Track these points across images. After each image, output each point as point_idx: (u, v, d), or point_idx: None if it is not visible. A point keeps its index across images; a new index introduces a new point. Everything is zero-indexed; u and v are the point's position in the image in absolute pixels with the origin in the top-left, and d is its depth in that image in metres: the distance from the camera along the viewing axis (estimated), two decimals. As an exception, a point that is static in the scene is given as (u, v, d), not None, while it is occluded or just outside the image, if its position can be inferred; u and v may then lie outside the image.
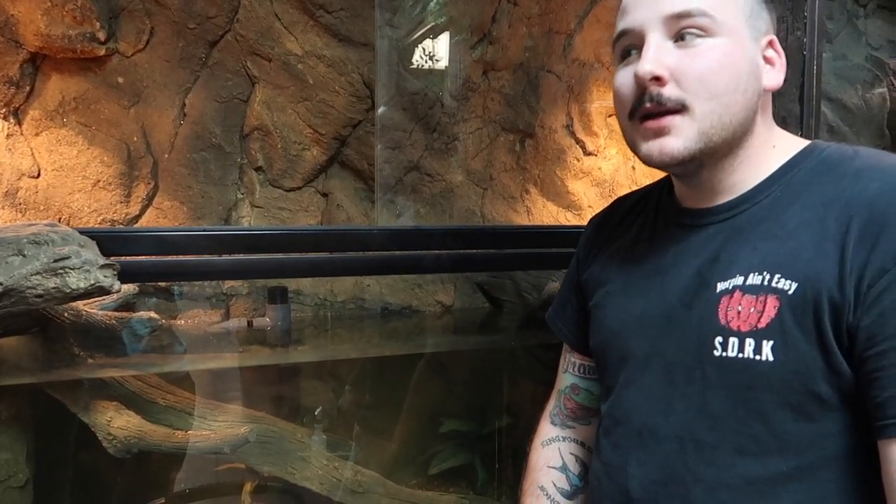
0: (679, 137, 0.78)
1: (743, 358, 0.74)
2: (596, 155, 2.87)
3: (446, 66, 2.50)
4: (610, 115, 2.92)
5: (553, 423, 1.08)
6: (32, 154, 2.03)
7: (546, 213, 2.75)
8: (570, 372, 1.07)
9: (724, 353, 0.76)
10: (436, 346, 2.41)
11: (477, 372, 2.48)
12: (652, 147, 0.79)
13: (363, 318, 2.34)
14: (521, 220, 2.69)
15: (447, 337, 2.46)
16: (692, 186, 0.86)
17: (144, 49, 2.12)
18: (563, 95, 2.77)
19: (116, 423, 1.69)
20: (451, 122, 2.50)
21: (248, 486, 1.96)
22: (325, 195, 2.39)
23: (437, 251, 1.67)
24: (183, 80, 2.18)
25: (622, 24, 0.82)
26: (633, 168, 2.93)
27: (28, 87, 2.03)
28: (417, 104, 2.42)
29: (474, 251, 1.78)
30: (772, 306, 0.73)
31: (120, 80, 2.10)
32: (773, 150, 0.83)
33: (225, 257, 1.53)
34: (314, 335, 2.25)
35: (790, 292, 0.72)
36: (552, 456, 1.06)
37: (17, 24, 1.96)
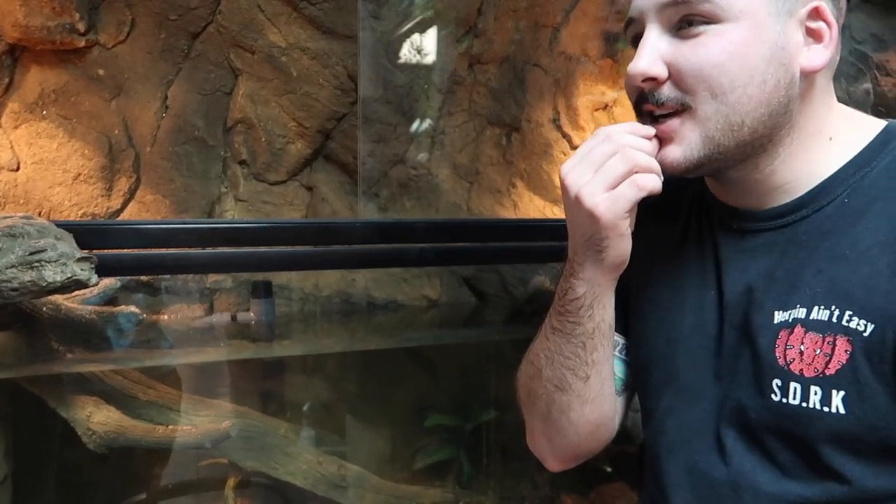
0: (680, 145, 0.69)
1: (807, 408, 0.64)
2: (582, 149, 2.87)
3: (432, 60, 2.49)
4: (597, 109, 2.92)
5: None
6: (12, 147, 2.01)
7: (533, 207, 2.74)
8: None
9: (783, 400, 0.66)
10: (421, 341, 2.41)
11: (463, 366, 2.48)
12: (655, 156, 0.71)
13: (349, 312, 2.33)
14: (508, 213, 2.68)
15: (433, 331, 2.46)
16: (725, 186, 0.75)
17: (125, 41, 2.09)
18: (549, 89, 2.77)
19: (96, 419, 1.67)
20: (437, 116, 2.49)
21: (231, 482, 1.95)
22: (309, 189, 2.38)
23: (422, 245, 1.66)
24: (165, 72, 2.15)
25: (630, 11, 0.73)
26: (620, 162, 2.93)
27: (7, 80, 2.00)
28: (402, 97, 2.40)
29: (459, 245, 1.77)
30: (842, 350, 0.63)
31: (101, 72, 2.08)
32: (831, 142, 0.71)
33: (208, 250, 1.52)
34: (299, 329, 2.24)
35: (866, 334, 0.62)
36: None
37: (-5, 14, 1.93)
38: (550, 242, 1.85)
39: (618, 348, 0.89)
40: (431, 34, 2.46)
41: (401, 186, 2.45)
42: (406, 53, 2.43)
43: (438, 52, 2.47)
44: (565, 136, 2.83)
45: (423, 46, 2.45)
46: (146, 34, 2.11)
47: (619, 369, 0.88)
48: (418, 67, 2.46)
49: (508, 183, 2.72)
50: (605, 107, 2.93)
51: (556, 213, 2.77)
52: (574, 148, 2.85)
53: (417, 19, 2.42)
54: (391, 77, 2.37)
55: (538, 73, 2.72)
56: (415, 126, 2.46)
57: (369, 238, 1.61)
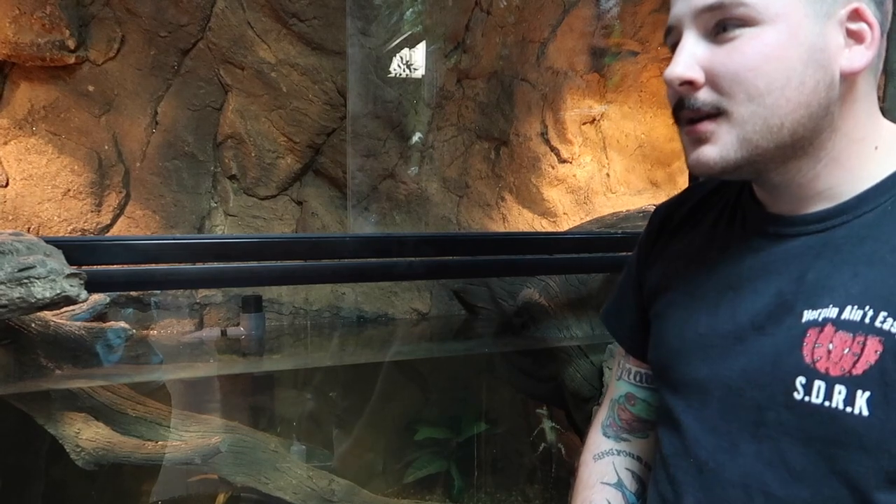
0: (716, 145, 0.68)
1: (829, 407, 0.63)
2: (570, 162, 2.89)
3: (421, 75, 2.51)
4: (584, 123, 2.95)
5: (606, 434, 0.96)
6: (1, 163, 2.01)
7: (522, 221, 2.76)
8: (624, 380, 0.95)
9: (806, 398, 0.64)
10: (411, 354, 2.41)
11: (452, 379, 2.48)
12: (691, 156, 0.70)
13: (339, 326, 2.33)
14: (497, 227, 2.70)
15: (423, 344, 2.46)
16: (768, 190, 0.74)
17: (115, 57, 2.10)
18: (537, 103, 2.80)
19: (85, 435, 1.66)
20: (426, 131, 2.51)
21: (221, 497, 1.94)
22: (299, 203, 2.39)
23: (411, 258, 1.67)
24: (155, 88, 2.17)
25: (669, 20, 0.72)
26: (608, 175, 2.96)
27: (-4, 96, 2.01)
28: (391, 112, 2.42)
29: (448, 258, 1.78)
30: (872, 350, 0.61)
31: (90, 88, 2.09)
32: (876, 151, 0.70)
33: (198, 266, 1.51)
34: (289, 344, 2.24)
35: None
36: (606, 471, 0.94)
37: (-15, 31, 1.93)
38: (539, 255, 1.86)
39: (646, 379, 0.93)
40: (420, 50, 2.48)
41: (390, 200, 2.47)
42: (395, 69, 2.45)
43: (427, 68, 2.50)
44: (553, 149, 2.86)
45: (411, 62, 2.48)
46: (136, 51, 2.12)
47: (652, 399, 0.92)
48: (407, 83, 2.48)
49: (497, 196, 2.74)
50: (593, 120, 2.96)
51: (544, 226, 2.79)
52: (562, 161, 2.87)
53: (406, 35, 2.44)
54: (380, 92, 2.39)
55: (526, 87, 2.75)
56: (404, 141, 2.48)
57: (359, 252, 1.61)
